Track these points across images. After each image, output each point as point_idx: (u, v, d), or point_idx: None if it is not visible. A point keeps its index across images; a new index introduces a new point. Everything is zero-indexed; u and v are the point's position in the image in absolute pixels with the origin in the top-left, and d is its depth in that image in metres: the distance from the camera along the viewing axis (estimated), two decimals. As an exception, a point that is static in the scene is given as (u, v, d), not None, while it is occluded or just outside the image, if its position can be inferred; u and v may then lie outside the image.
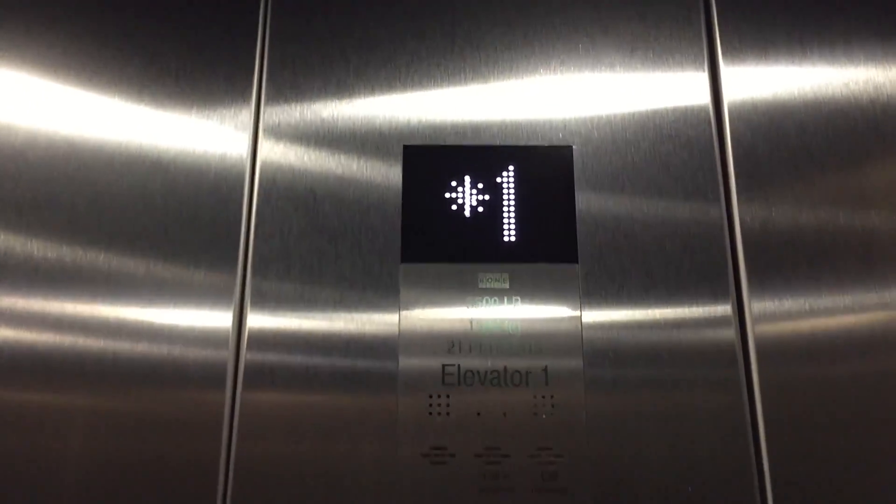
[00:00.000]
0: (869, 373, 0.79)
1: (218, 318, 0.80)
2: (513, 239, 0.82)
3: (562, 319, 0.80)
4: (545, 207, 0.83)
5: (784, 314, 0.80)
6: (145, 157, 0.85)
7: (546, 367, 0.78)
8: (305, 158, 0.85)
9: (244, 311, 0.80)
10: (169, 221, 0.83)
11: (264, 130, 0.86)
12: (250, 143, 0.85)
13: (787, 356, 0.79)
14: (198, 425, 0.78)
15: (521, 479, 0.75)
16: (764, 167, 0.84)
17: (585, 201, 0.83)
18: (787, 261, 0.82)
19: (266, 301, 0.80)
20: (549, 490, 0.75)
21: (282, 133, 0.86)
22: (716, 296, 0.80)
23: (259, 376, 0.79)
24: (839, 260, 0.82)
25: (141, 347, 0.80)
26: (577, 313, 0.80)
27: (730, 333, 0.79)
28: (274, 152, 0.85)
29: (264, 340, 0.80)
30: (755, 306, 0.80)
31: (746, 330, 0.80)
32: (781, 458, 0.76)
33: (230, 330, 0.80)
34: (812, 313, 0.80)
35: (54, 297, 0.81)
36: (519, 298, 0.81)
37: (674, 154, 0.85)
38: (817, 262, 0.81)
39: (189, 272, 0.81)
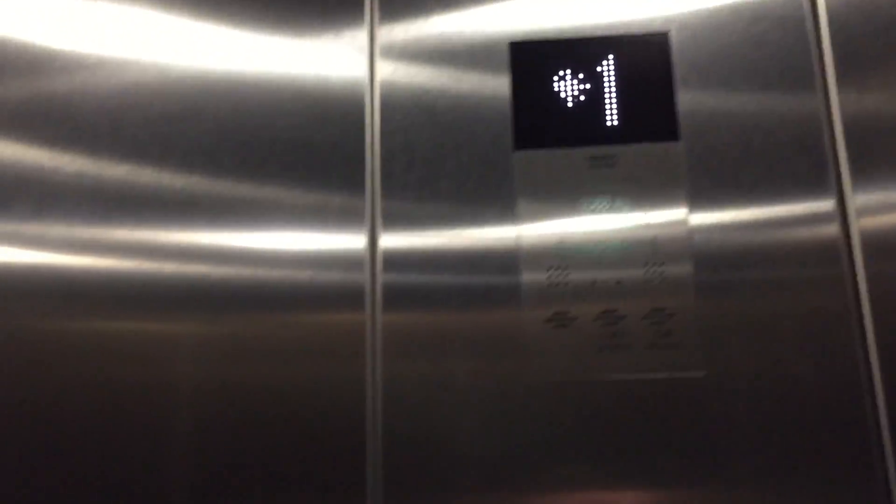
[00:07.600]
0: None
1: (352, 241, 0.86)
2: (615, 123, 0.88)
3: (668, 193, 0.85)
4: (645, 92, 0.88)
5: (890, 206, 0.81)
6: (270, 83, 0.91)
7: (654, 237, 0.84)
8: (421, 63, 0.92)
9: (376, 232, 0.87)
10: (297, 144, 0.89)
11: (381, 47, 0.93)
12: (368, 59, 0.92)
13: (893, 251, 0.80)
14: (341, 348, 0.83)
15: (636, 337, 0.82)
16: (858, 43, 0.86)
17: (684, 83, 0.88)
18: (891, 146, 0.82)
19: (396, 220, 0.87)
20: (664, 346, 0.81)
21: (397, 47, 0.93)
22: (817, 179, 0.83)
23: (396, 296, 0.85)
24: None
25: (279, 273, 0.85)
26: (681, 188, 0.85)
27: (833, 228, 0.82)
28: (390, 66, 0.92)
29: (397, 260, 0.86)
30: (858, 199, 0.82)
31: (849, 224, 0.82)
32: (891, 354, 0.78)
33: (365, 251, 0.86)
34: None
35: (201, 227, 0.87)
36: (627, 177, 0.86)
37: (769, 32, 0.88)
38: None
39: (321, 195, 0.87)
